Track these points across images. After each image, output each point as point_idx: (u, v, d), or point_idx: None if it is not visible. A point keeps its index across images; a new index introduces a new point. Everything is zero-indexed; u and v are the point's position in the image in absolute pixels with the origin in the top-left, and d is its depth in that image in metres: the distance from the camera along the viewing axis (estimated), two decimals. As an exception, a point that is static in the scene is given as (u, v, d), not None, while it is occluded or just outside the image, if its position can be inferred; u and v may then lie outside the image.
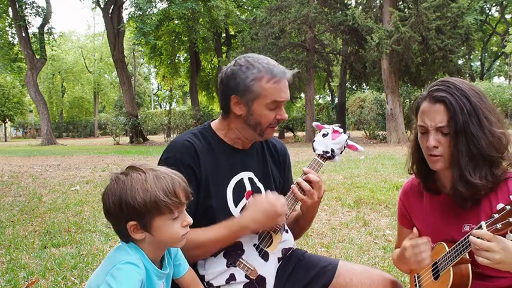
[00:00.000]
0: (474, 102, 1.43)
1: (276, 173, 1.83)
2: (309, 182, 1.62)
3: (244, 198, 1.68)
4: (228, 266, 1.58)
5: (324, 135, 1.69)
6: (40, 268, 3.12)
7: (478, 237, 1.29)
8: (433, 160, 1.49)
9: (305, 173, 1.63)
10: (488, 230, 1.28)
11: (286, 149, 1.92)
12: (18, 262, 3.28)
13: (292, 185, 1.64)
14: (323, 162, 1.67)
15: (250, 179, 1.72)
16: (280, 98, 1.60)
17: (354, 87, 25.61)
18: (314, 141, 1.70)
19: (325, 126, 1.72)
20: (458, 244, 1.40)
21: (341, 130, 1.70)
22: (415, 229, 1.55)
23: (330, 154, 1.66)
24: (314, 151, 1.69)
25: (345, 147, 1.69)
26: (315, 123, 1.79)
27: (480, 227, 1.31)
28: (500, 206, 1.28)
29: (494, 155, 1.43)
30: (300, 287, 1.71)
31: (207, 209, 1.61)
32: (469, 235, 1.35)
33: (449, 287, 1.42)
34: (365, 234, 3.95)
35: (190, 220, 1.33)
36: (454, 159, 1.44)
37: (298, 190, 1.62)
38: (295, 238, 1.82)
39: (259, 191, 1.72)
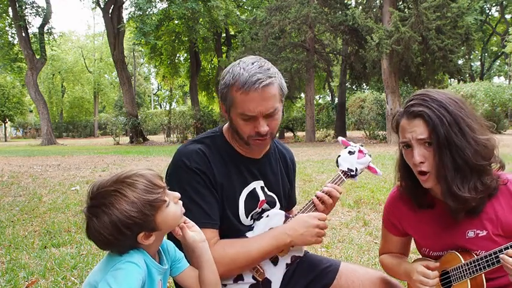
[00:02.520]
0: (453, 112, 1.37)
1: (286, 182, 1.83)
2: (329, 195, 1.62)
3: (257, 208, 1.67)
4: None
5: (350, 152, 1.69)
6: (40, 268, 3.12)
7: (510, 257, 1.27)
8: (423, 180, 1.45)
9: (327, 188, 1.63)
10: None
11: (293, 157, 1.91)
12: (18, 262, 3.28)
13: (313, 198, 1.63)
14: (345, 179, 1.66)
15: (262, 188, 1.70)
16: (248, 112, 1.49)
17: (354, 87, 25.61)
18: (339, 156, 1.70)
19: (351, 144, 1.73)
20: (482, 259, 1.37)
21: (366, 151, 1.71)
22: (435, 263, 1.52)
23: (354, 173, 1.67)
24: (337, 166, 1.69)
25: (365, 168, 1.71)
26: (340, 139, 1.78)
27: None
28: None
29: (482, 163, 1.38)
30: (301, 287, 1.71)
31: (225, 220, 1.61)
32: (496, 252, 1.33)
33: None
34: (365, 234, 3.95)
35: (178, 194, 1.35)
36: (440, 173, 1.38)
37: (320, 202, 1.63)
38: None
39: (272, 200, 1.72)
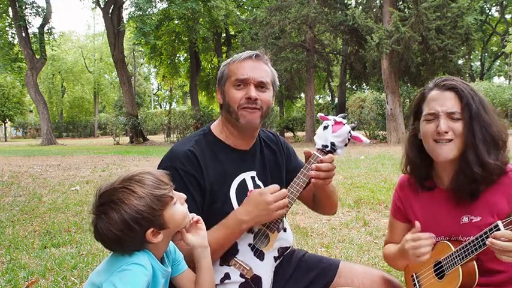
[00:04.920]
0: (479, 95, 1.52)
1: (278, 166, 1.82)
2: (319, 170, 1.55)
3: (247, 197, 1.68)
4: (221, 265, 1.58)
5: (325, 127, 1.57)
6: (40, 268, 3.12)
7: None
8: (441, 146, 1.48)
9: (314, 166, 1.55)
10: (505, 229, 1.29)
11: (278, 136, 1.91)
12: (18, 262, 3.28)
13: (311, 179, 1.56)
14: (322, 157, 1.56)
15: (252, 178, 1.72)
16: (241, 76, 1.62)
17: (354, 87, 25.61)
18: (315, 134, 1.61)
19: (329, 117, 1.61)
20: (469, 244, 1.40)
21: (344, 121, 1.57)
22: (417, 223, 1.52)
23: (329, 148, 1.55)
24: (315, 145, 1.60)
25: (349, 139, 1.57)
26: (319, 114, 1.66)
27: (496, 227, 1.31)
28: None
29: (502, 140, 1.51)
30: (302, 287, 1.71)
31: (214, 213, 1.61)
32: (481, 235, 1.35)
33: (458, 286, 1.42)
34: (365, 234, 3.95)
35: (184, 195, 1.37)
36: (469, 143, 1.47)
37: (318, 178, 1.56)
38: (329, 213, 1.86)
39: None
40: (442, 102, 1.49)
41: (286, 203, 1.53)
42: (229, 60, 1.70)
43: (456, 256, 1.44)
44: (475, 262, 1.43)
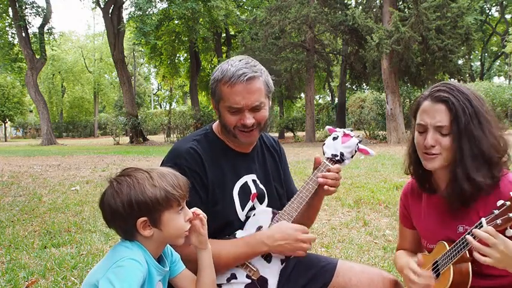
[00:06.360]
0: (475, 105, 1.46)
1: (278, 171, 1.84)
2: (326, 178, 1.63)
3: (250, 201, 1.69)
4: None
5: (334, 138, 1.68)
6: (40, 268, 3.13)
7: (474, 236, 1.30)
8: (428, 158, 1.50)
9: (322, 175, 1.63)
10: (488, 226, 1.29)
11: (279, 143, 1.93)
12: (18, 262, 3.28)
13: (319, 182, 1.62)
14: (331, 166, 1.64)
15: (254, 181, 1.73)
16: (234, 104, 1.55)
17: (354, 87, 25.61)
18: (324, 144, 1.69)
19: (337, 129, 1.72)
20: (458, 242, 1.41)
21: (352, 134, 1.68)
22: (419, 255, 1.55)
23: (339, 158, 1.65)
24: (324, 154, 1.68)
25: (355, 151, 1.67)
26: (327, 127, 1.78)
27: (480, 224, 1.31)
28: (500, 202, 1.29)
29: (495, 156, 1.46)
30: (300, 286, 1.71)
31: (215, 213, 1.61)
32: (469, 233, 1.35)
33: (449, 285, 1.42)
34: (365, 234, 3.95)
35: (191, 215, 1.39)
36: (458, 159, 1.45)
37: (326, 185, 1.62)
38: (311, 222, 1.86)
39: (262, 193, 1.73)
40: (432, 114, 1.47)
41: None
42: (220, 75, 1.57)
43: (448, 255, 1.45)
44: (469, 263, 1.42)
